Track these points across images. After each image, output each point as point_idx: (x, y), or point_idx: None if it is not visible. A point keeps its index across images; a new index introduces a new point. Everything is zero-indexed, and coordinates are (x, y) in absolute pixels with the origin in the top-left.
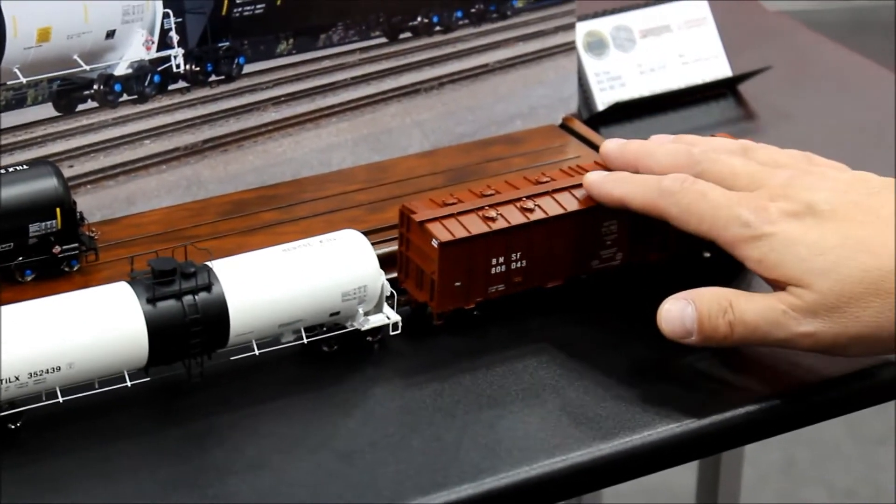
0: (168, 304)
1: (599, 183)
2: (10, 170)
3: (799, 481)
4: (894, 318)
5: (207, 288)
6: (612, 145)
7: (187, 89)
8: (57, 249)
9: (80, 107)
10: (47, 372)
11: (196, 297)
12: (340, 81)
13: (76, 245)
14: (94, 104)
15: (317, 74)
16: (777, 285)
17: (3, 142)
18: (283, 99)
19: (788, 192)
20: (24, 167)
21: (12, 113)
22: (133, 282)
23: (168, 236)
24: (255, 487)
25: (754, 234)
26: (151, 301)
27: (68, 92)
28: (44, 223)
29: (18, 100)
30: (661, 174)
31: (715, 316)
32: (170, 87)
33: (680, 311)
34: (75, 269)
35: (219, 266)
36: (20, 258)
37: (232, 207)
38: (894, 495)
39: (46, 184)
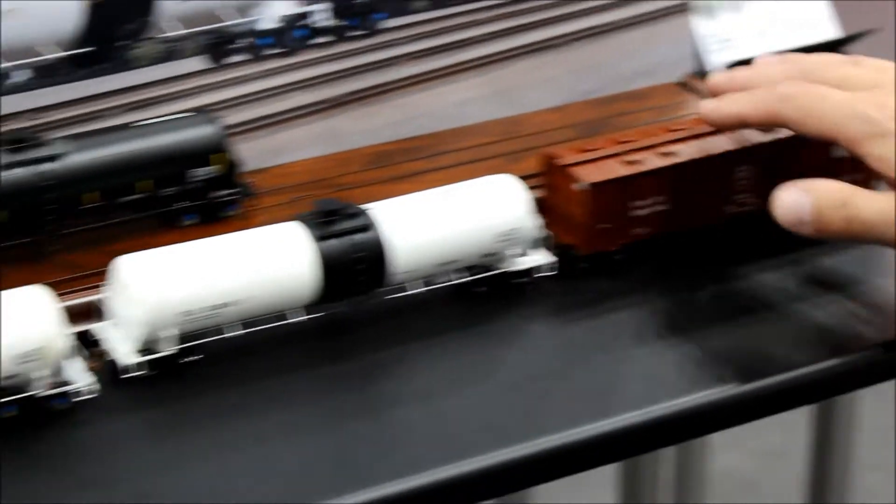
0: (336, 243)
1: (714, 107)
2: (174, 117)
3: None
4: None
5: (370, 228)
6: (720, 76)
7: (331, 43)
8: (217, 194)
9: (230, 60)
10: (225, 306)
11: (360, 236)
12: (474, 37)
13: (236, 190)
14: (244, 57)
15: (451, 30)
16: None
17: (160, 93)
18: (420, 54)
19: None
20: (188, 115)
21: (167, 65)
22: (302, 221)
23: (316, 185)
24: (428, 414)
25: (877, 132)
26: (321, 239)
27: (219, 45)
28: (205, 168)
29: (173, 52)
30: None
31: (832, 209)
32: (314, 42)
33: (795, 200)
34: (233, 213)
35: (378, 208)
36: (183, 202)
37: (375, 158)
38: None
39: (209, 130)
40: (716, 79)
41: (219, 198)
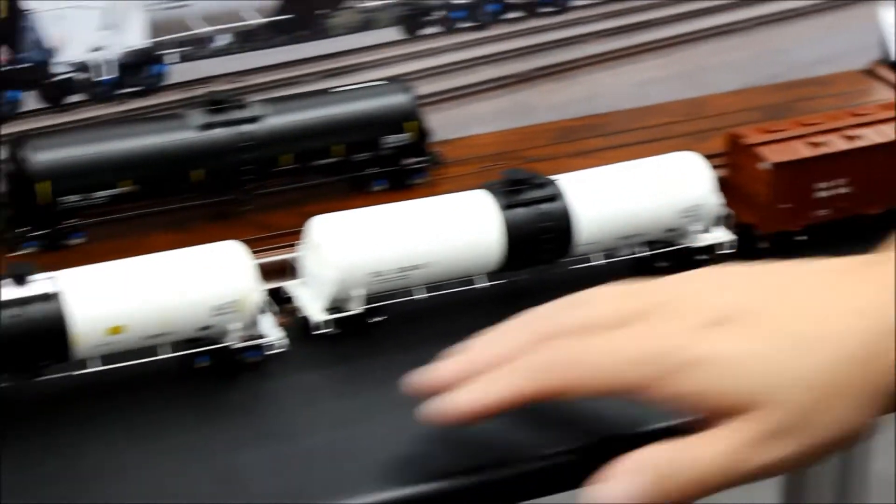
0: (523, 212)
1: (466, 400)
2: (369, 85)
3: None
4: (858, 409)
5: (556, 198)
6: (451, 364)
7: (522, 19)
8: (407, 162)
9: (424, 31)
10: (413, 269)
11: (547, 206)
12: (660, 18)
13: (425, 159)
14: (437, 29)
15: (639, 11)
16: (718, 417)
17: (355, 61)
18: (607, 33)
19: (685, 304)
20: (382, 83)
21: (363, 34)
22: (490, 190)
23: (501, 157)
24: None
25: (671, 365)
26: (508, 207)
27: (414, 17)
28: (398, 136)
29: (370, 22)
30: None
31: (656, 493)
32: (506, 17)
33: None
34: (421, 181)
35: (564, 179)
36: (374, 168)
37: (559, 133)
38: None
39: (402, 99)
40: (445, 368)
41: (408, 165)
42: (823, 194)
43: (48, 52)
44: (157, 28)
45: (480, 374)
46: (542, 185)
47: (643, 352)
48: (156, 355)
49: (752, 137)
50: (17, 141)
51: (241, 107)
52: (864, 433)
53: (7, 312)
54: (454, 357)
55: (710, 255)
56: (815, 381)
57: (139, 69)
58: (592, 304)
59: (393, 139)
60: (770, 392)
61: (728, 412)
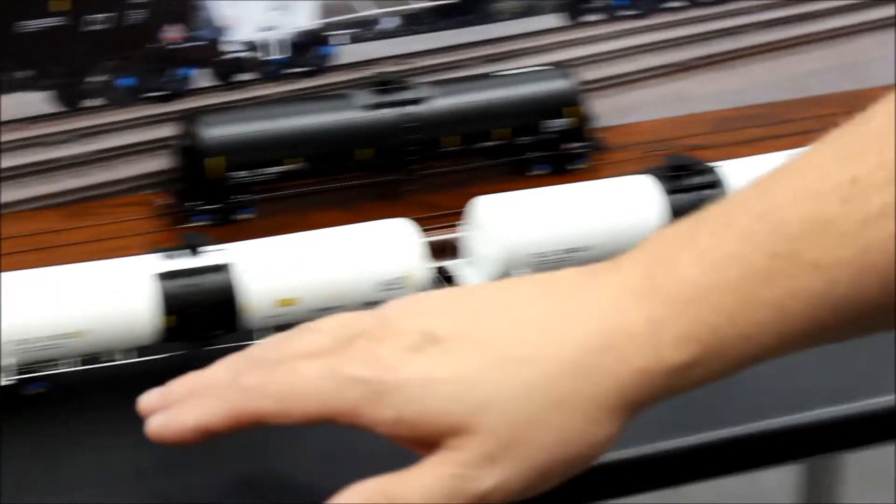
0: (685, 197)
1: (164, 421)
2: (532, 70)
3: None
4: (582, 425)
5: (718, 185)
6: (154, 392)
7: (683, 8)
8: (569, 146)
9: (586, 18)
10: (576, 251)
11: (709, 192)
12: (823, 10)
13: (586, 144)
14: (600, 17)
15: (801, 1)
16: (428, 445)
17: (518, 46)
18: (768, 23)
19: (393, 328)
20: (545, 68)
21: (527, 20)
22: (653, 174)
23: (660, 145)
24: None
25: (376, 390)
26: (671, 192)
27: (577, 3)
28: (559, 121)
29: (533, 8)
30: None
31: None
32: (667, 5)
33: None
34: (582, 166)
35: (727, 166)
36: (535, 152)
37: (718, 123)
38: None
39: (564, 84)
40: (149, 396)
41: (570, 150)
42: None
43: (220, 31)
44: (326, 10)
45: (184, 400)
46: (704, 172)
47: (349, 376)
48: None
49: None
50: (190, 117)
51: (407, 88)
52: (606, 444)
53: (181, 281)
54: (157, 390)
55: None
56: (522, 399)
57: (307, 50)
58: (314, 332)
59: (554, 124)
60: (475, 416)
61: (437, 439)
